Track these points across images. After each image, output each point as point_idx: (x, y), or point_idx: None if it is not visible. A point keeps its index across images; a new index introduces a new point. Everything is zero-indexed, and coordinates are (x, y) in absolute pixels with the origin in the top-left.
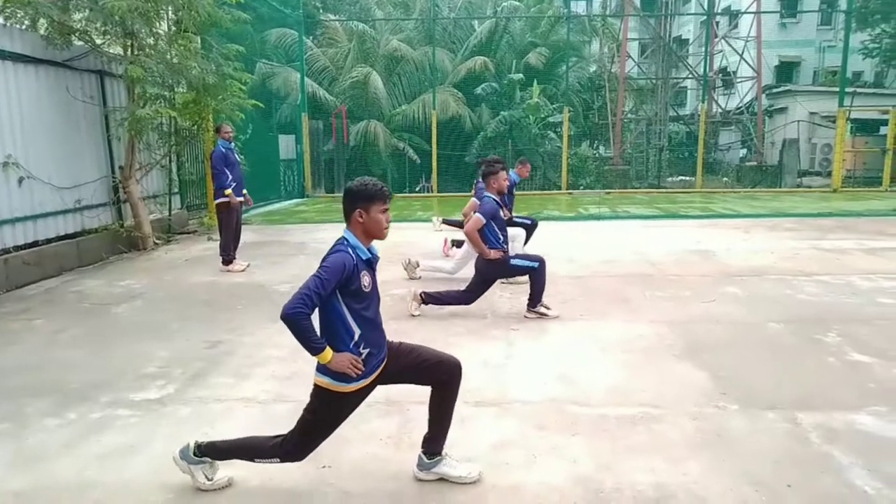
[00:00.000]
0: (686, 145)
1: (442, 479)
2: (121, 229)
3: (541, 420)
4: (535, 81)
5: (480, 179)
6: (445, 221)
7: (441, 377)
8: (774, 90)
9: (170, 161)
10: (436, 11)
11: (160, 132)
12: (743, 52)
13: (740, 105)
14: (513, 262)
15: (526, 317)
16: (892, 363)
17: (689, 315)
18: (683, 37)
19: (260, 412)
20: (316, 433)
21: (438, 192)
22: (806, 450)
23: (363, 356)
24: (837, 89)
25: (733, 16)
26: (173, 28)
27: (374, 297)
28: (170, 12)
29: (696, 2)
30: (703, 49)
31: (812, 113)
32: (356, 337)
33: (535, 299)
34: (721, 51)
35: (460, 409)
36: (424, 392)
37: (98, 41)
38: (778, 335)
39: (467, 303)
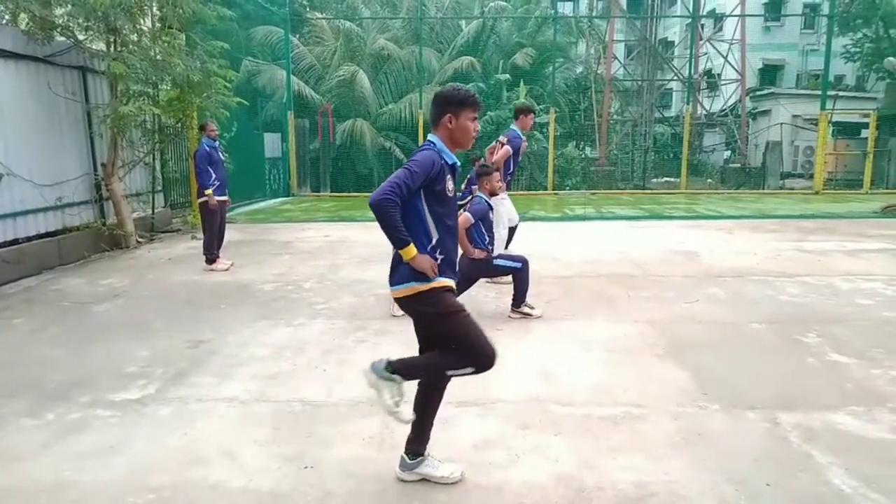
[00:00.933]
0: (671, 147)
1: (424, 480)
2: (103, 227)
3: (524, 419)
4: (522, 82)
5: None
6: None
7: None
8: (758, 93)
9: (153, 159)
10: (423, 11)
11: (143, 129)
12: (727, 55)
13: (724, 107)
14: (496, 262)
15: (510, 317)
16: (870, 364)
17: (672, 315)
18: (669, 39)
19: (243, 412)
20: (471, 333)
21: None
22: (785, 449)
23: (439, 261)
24: (820, 93)
25: (718, 19)
26: (157, 24)
27: (454, 205)
28: (154, 8)
29: (682, 4)
30: (689, 51)
31: (795, 116)
32: (434, 241)
33: (518, 299)
34: (706, 53)
35: (443, 408)
36: (407, 393)
37: (80, 37)
38: (759, 335)
39: None
